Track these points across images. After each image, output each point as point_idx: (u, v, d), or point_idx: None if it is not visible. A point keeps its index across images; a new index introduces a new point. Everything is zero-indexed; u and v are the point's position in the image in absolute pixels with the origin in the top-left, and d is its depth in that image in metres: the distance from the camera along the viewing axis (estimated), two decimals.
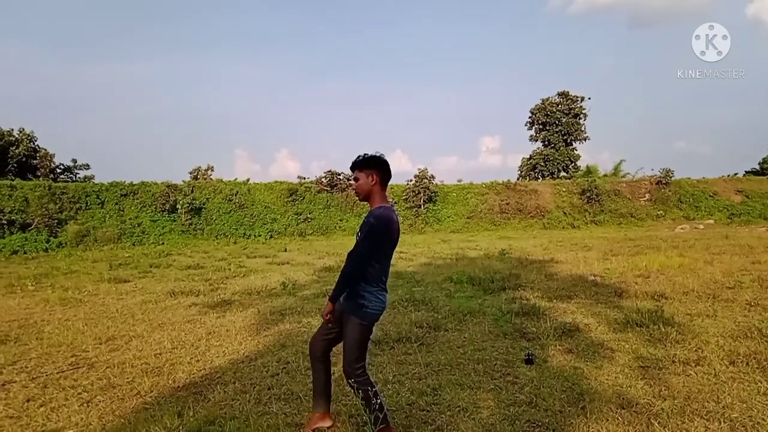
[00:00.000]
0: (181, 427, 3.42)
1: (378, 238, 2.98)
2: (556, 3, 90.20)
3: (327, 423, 3.33)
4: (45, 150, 28.98)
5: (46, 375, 4.72)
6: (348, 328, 3.05)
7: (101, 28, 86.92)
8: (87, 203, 21.92)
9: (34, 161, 28.31)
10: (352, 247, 3.06)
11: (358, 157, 3.11)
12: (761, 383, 3.86)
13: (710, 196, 29.42)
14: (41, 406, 4.00)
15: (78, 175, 31.33)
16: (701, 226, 22.69)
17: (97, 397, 4.15)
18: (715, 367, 4.25)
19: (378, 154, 3.12)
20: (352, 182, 3.13)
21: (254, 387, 4.24)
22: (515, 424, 3.36)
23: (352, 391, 3.12)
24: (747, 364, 4.27)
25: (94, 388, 4.36)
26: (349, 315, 3.02)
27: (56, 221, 20.34)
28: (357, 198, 3.20)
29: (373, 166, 3.09)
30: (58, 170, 30.50)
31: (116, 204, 22.44)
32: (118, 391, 4.27)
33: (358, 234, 3.12)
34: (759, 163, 40.95)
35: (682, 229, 21.70)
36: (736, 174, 35.00)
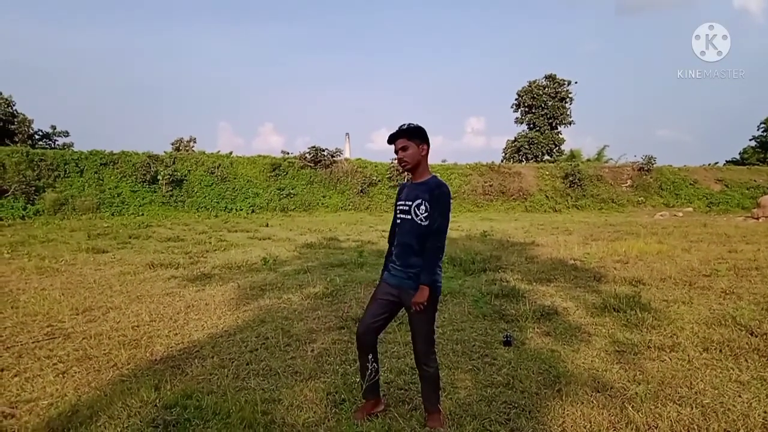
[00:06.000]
0: (157, 401, 3.40)
1: (450, 206, 3.00)
2: None
3: (380, 407, 3.32)
4: (23, 115, 28.25)
5: (21, 344, 4.65)
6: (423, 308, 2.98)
7: None
8: (66, 171, 21.46)
9: (12, 126, 27.58)
10: (401, 224, 3.06)
11: (407, 125, 2.98)
12: (733, 370, 3.94)
13: (690, 184, 29.84)
14: (15, 375, 3.94)
15: (57, 142, 30.77)
16: (680, 214, 23.04)
17: (73, 368, 4.10)
18: (689, 353, 4.33)
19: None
20: (399, 152, 2.98)
21: (233, 362, 4.23)
22: (492, 404, 3.39)
23: (421, 376, 3.14)
24: (720, 351, 4.35)
25: (70, 358, 4.31)
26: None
27: (34, 188, 19.92)
28: (401, 167, 3.06)
29: (424, 137, 3.02)
30: (37, 136, 29.83)
31: (95, 173, 22.00)
32: (94, 363, 4.22)
33: (405, 206, 3.03)
34: (739, 153, 41.65)
35: (661, 216, 22.00)
36: (716, 163, 35.64)
